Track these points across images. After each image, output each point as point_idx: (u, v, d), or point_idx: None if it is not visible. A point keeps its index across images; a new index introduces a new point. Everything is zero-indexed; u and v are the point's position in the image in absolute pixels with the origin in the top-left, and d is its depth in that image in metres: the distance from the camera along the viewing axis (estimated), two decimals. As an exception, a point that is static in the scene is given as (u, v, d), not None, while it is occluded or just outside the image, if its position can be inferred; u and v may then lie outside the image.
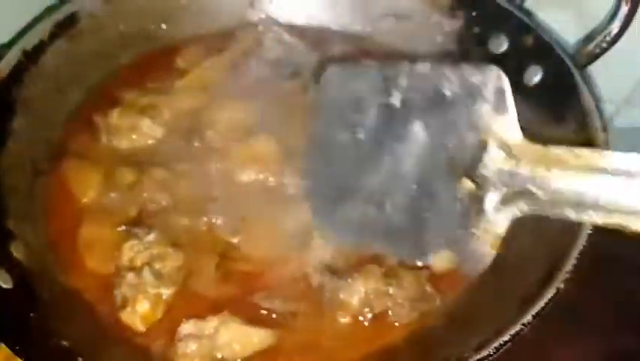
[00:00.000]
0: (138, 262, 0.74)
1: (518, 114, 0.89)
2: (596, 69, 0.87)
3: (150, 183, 0.83)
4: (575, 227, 0.68)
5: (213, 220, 0.81)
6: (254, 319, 0.73)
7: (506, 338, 0.60)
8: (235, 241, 0.80)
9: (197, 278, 0.76)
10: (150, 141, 0.90)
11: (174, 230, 0.80)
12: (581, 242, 0.66)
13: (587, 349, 0.91)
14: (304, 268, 0.77)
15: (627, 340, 0.92)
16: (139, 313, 0.72)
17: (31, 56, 0.88)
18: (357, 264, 0.76)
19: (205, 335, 0.71)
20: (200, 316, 0.72)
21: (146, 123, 0.90)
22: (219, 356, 0.70)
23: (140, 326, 0.72)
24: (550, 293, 0.62)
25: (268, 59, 0.98)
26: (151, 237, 0.76)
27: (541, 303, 0.62)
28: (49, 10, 0.92)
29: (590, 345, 0.91)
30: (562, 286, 0.63)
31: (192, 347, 0.70)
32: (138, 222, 0.80)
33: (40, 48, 0.89)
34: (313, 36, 1.06)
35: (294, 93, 0.95)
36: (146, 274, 0.72)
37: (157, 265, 0.74)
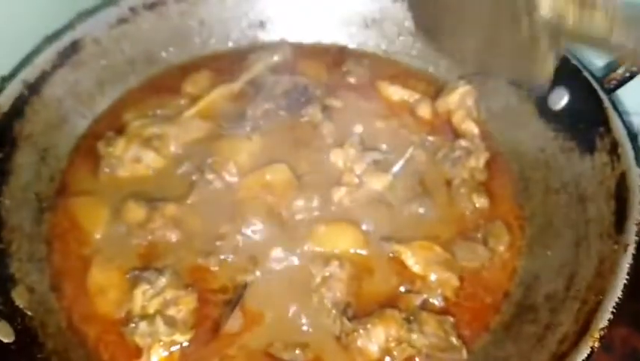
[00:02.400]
0: (151, 310, 0.71)
1: (541, 140, 0.87)
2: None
3: (161, 220, 0.80)
4: (610, 276, 0.64)
5: (224, 259, 0.78)
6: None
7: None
8: (247, 281, 0.76)
9: (210, 323, 0.73)
10: (155, 173, 0.87)
11: (186, 270, 0.77)
12: (618, 293, 0.62)
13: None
14: (320, 313, 0.73)
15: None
16: (154, 362, 0.70)
17: (33, 87, 0.85)
18: (375, 307, 0.73)
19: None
20: (217, 362, 0.70)
21: (150, 155, 0.87)
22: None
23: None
24: (584, 352, 0.58)
25: (279, 86, 0.94)
26: (162, 281, 0.73)
27: (574, 365, 0.58)
28: (50, 39, 0.88)
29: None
30: (597, 345, 0.58)
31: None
32: (148, 262, 0.77)
33: (42, 79, 0.86)
34: (326, 56, 1.02)
35: (305, 122, 0.91)
36: (159, 322, 0.69)
37: (170, 312, 0.71)
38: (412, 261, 0.78)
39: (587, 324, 0.61)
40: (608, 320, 0.60)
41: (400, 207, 0.84)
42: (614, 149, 0.76)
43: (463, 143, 0.89)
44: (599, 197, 0.75)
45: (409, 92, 0.97)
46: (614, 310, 0.61)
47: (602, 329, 0.59)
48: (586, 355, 0.58)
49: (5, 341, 0.65)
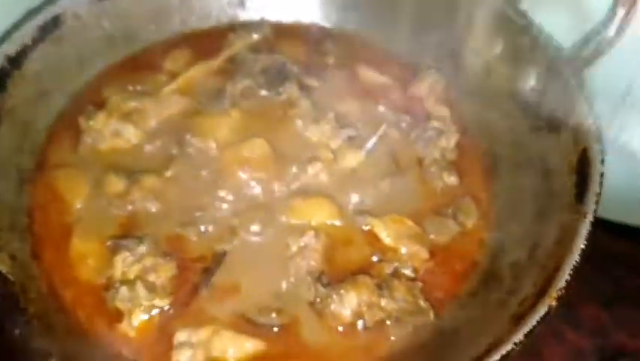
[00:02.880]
0: (131, 276, 0.73)
1: (511, 119, 0.90)
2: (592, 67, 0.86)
3: (140, 192, 0.82)
4: (569, 242, 0.67)
5: (203, 229, 0.80)
6: (247, 330, 0.72)
7: (497, 357, 0.60)
8: (225, 250, 0.79)
9: (189, 289, 0.75)
10: (135, 147, 0.89)
11: (165, 239, 0.79)
12: (575, 258, 0.65)
13: (579, 347, 0.92)
14: (295, 280, 0.76)
15: (619, 338, 0.93)
16: (134, 325, 0.72)
17: (15, 61, 0.86)
18: (348, 275, 0.76)
19: (199, 343, 0.71)
20: (194, 326, 0.72)
21: (129, 129, 0.88)
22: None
23: (136, 338, 0.72)
24: (542, 311, 0.62)
25: (258, 64, 0.96)
26: (142, 248, 0.75)
27: (533, 321, 0.61)
28: (30, 14, 0.89)
29: (582, 343, 0.92)
30: (554, 304, 0.62)
31: (187, 354, 0.70)
32: (128, 232, 0.79)
33: (23, 53, 0.87)
34: (305, 36, 1.04)
35: (282, 99, 0.94)
36: (139, 287, 0.72)
37: (150, 278, 0.73)
38: (385, 234, 0.81)
39: (546, 286, 0.64)
40: (566, 281, 0.63)
41: (374, 183, 0.86)
42: (577, 126, 0.79)
43: (435, 124, 0.92)
44: (563, 172, 0.78)
45: (384, 77, 1.00)
46: (572, 274, 0.64)
47: (560, 289, 0.63)
48: (543, 313, 0.62)
49: (-12, 303, 0.67)
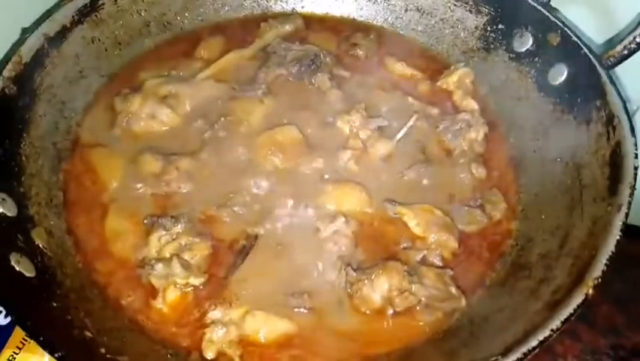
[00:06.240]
0: (166, 253, 0.74)
1: (541, 113, 0.90)
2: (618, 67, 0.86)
3: (176, 172, 0.83)
4: (603, 232, 0.67)
5: (236, 210, 0.81)
6: (278, 311, 0.73)
7: (534, 343, 0.60)
8: (257, 232, 0.79)
9: (223, 268, 0.76)
10: (170, 129, 0.90)
11: (199, 219, 0.80)
12: (611, 247, 0.65)
13: (596, 344, 0.92)
14: (326, 264, 0.77)
15: (634, 337, 0.93)
16: (169, 302, 0.73)
17: (54, 41, 0.87)
18: (379, 260, 0.76)
19: (232, 322, 0.71)
20: (227, 305, 0.73)
21: (165, 112, 0.89)
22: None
23: (169, 314, 0.73)
24: (579, 299, 0.62)
25: (291, 53, 0.97)
26: (178, 227, 0.76)
27: (570, 309, 0.61)
28: (70, -5, 0.90)
29: (599, 341, 0.92)
30: (591, 292, 0.62)
31: (219, 333, 0.70)
32: (163, 211, 0.80)
33: (62, 34, 0.88)
34: (335, 28, 1.05)
35: (314, 88, 0.95)
36: (175, 265, 0.72)
37: (186, 256, 0.74)
38: (414, 223, 0.82)
39: (581, 276, 0.64)
40: (602, 271, 0.63)
41: (403, 173, 0.87)
42: (609, 120, 0.79)
43: (464, 116, 0.93)
44: (594, 165, 0.78)
45: (413, 69, 1.01)
46: (607, 264, 0.64)
47: (596, 278, 0.63)
48: (580, 301, 0.62)
49: (27, 275, 0.67)
